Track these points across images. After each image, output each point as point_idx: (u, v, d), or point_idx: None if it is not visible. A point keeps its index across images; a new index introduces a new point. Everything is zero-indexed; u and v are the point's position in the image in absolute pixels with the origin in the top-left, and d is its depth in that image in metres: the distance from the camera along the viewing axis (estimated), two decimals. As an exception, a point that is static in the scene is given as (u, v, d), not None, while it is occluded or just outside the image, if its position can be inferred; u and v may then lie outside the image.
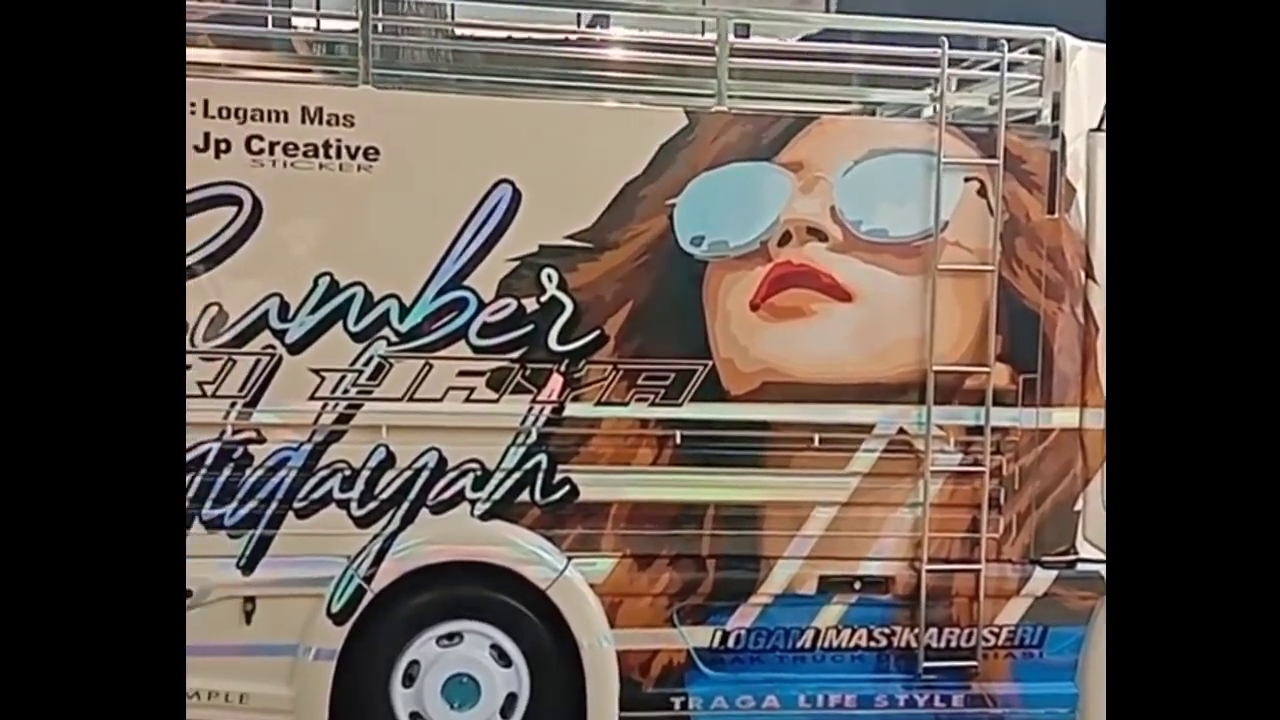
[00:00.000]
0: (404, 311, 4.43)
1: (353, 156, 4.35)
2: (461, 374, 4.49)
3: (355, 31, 4.44)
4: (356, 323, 4.42)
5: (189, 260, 4.26)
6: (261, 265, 4.33)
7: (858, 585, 4.68)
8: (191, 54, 4.49)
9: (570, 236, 4.49)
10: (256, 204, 4.31)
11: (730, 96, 4.60)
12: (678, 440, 4.61)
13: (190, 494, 4.35)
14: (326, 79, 4.62)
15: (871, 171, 4.63)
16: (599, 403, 4.56)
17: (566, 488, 4.61)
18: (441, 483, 4.53)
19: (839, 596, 4.67)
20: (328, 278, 4.38)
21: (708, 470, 4.60)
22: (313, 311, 4.38)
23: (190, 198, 4.24)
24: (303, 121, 4.31)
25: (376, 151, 4.36)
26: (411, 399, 4.47)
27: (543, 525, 4.58)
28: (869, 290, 4.64)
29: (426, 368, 4.47)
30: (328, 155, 4.33)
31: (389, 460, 4.49)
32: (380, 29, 4.63)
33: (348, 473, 4.47)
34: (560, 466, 4.59)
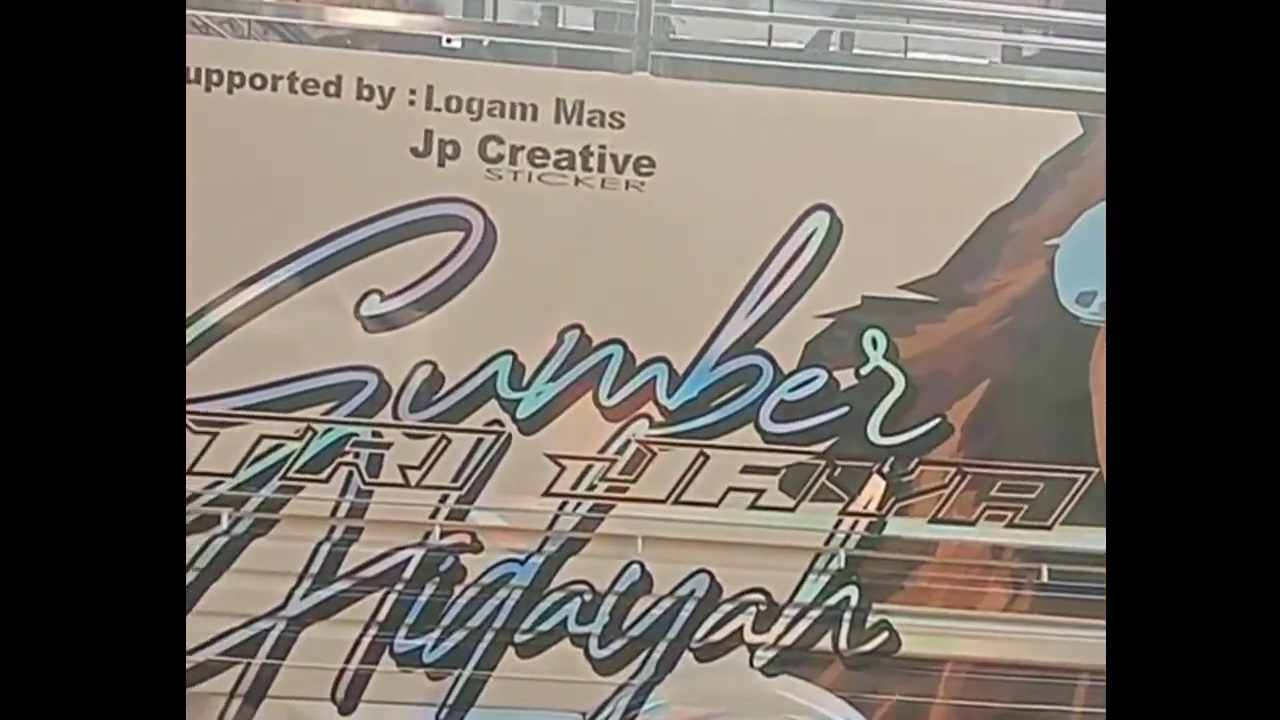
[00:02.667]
0: (675, 381, 3.26)
1: (620, 168, 3.21)
2: (747, 470, 3.28)
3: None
4: (611, 394, 3.25)
5: (395, 304, 3.19)
6: (492, 312, 3.22)
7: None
8: (399, 22, 3.48)
9: (907, 286, 3.24)
10: (489, 229, 3.20)
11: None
12: (1043, 577, 3.29)
13: (380, 617, 3.26)
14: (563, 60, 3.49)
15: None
16: (934, 519, 3.28)
17: (884, 635, 3.34)
18: (713, 618, 3.31)
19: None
20: (577, 332, 3.24)
21: (1084, 623, 3.26)
22: (555, 377, 3.24)
23: (401, 218, 3.17)
24: (557, 120, 3.19)
25: (651, 162, 3.21)
26: (678, 501, 3.28)
27: (849, 686, 3.31)
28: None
29: (701, 459, 3.27)
30: (587, 166, 3.20)
31: (644, 583, 3.29)
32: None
33: (588, 598, 3.29)
34: (876, 605, 3.32)
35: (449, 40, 3.37)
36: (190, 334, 3.17)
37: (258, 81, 3.12)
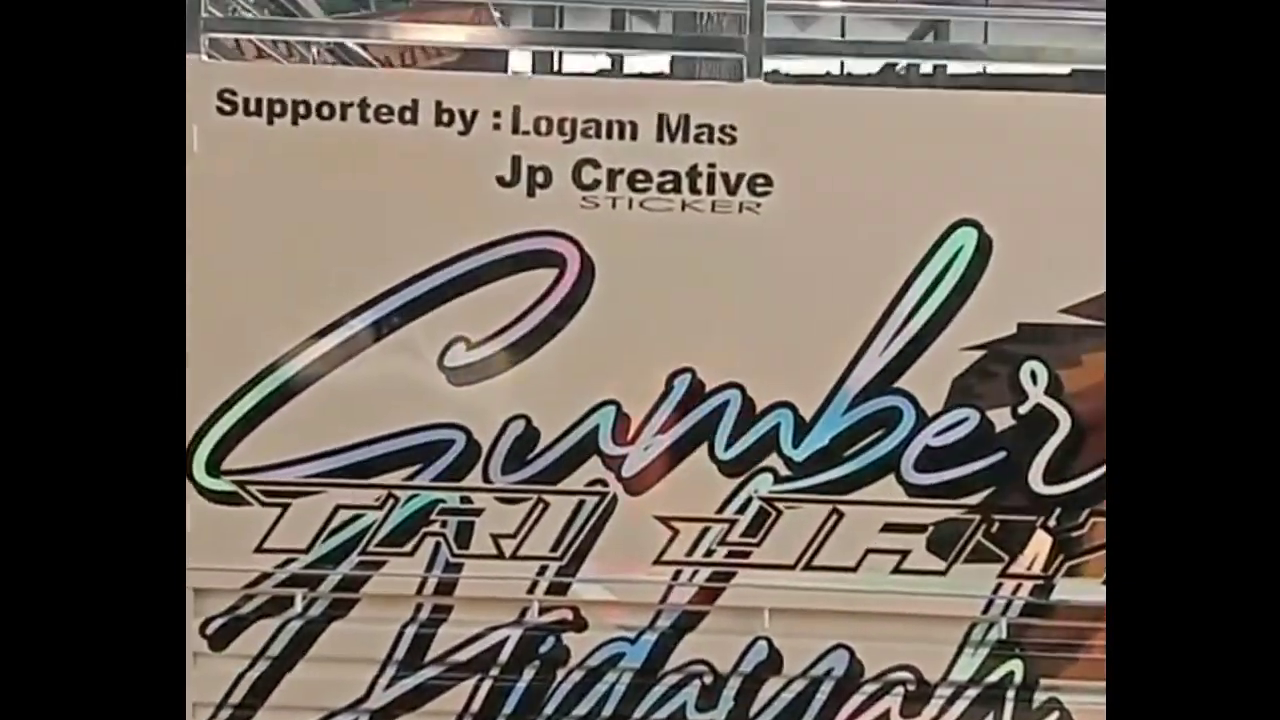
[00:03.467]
0: (802, 429, 2.85)
1: (732, 189, 2.83)
2: (889, 528, 2.85)
3: None
4: (729, 446, 2.85)
5: (483, 352, 2.83)
6: (591, 358, 2.83)
7: None
8: (486, 36, 3.14)
9: (1070, 310, 2.80)
10: (586, 264, 2.83)
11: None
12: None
13: (474, 707, 2.87)
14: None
15: None
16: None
17: (1055, 716, 2.88)
18: (854, 701, 2.86)
19: None
20: (688, 376, 2.85)
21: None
22: (664, 429, 2.84)
23: (487, 256, 2.82)
24: (659, 137, 2.82)
25: (768, 181, 2.82)
26: (809, 566, 2.86)
27: (1017, 779, 2.86)
28: None
29: (834, 517, 2.85)
30: (695, 188, 2.82)
31: (773, 662, 2.86)
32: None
33: (709, 680, 2.87)
34: (1045, 681, 2.86)
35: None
36: (257, 395, 2.84)
37: (325, 111, 2.80)
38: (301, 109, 2.79)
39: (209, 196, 2.68)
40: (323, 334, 2.84)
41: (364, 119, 2.80)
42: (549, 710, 2.87)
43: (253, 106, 2.77)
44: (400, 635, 2.88)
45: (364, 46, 3.16)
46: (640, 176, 2.83)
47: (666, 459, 2.85)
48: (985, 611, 2.86)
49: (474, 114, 2.82)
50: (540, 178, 2.83)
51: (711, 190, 2.83)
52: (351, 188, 2.83)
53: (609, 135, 2.83)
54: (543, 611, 2.87)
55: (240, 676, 2.88)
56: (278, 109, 2.78)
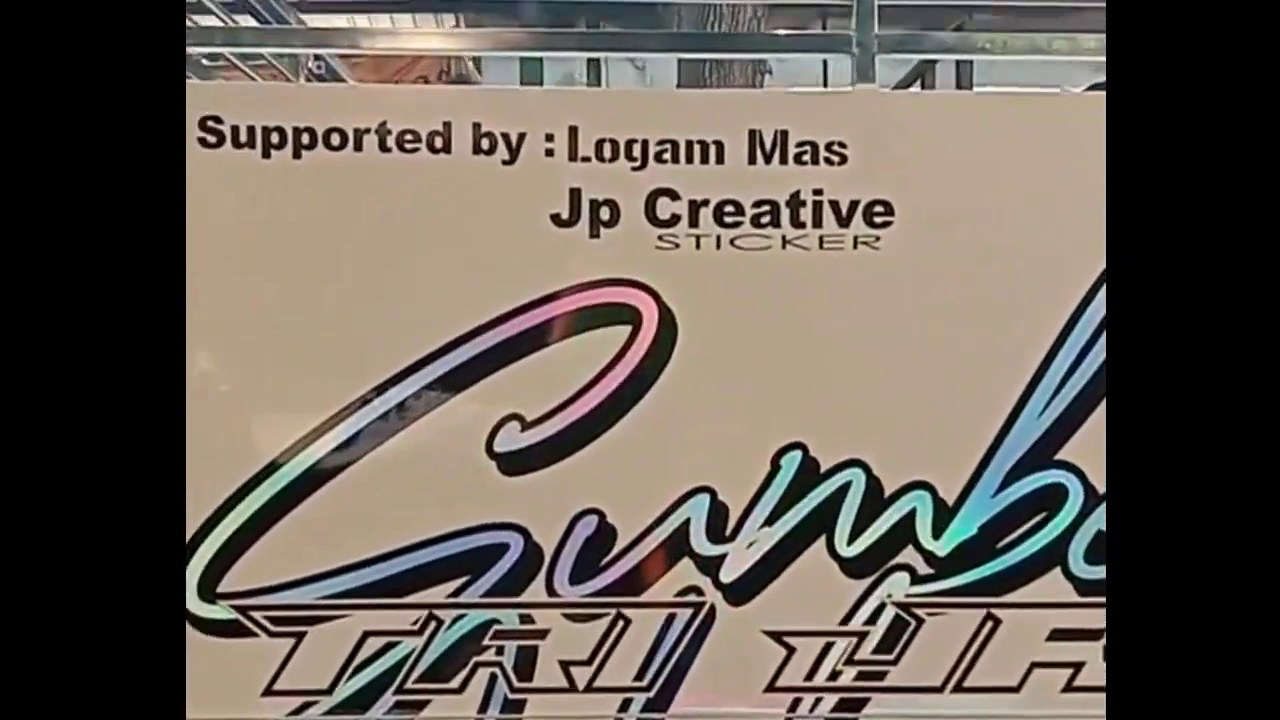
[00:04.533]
0: (943, 515, 2.27)
1: (844, 220, 2.27)
2: (1058, 635, 2.27)
3: None
4: (853, 539, 2.28)
5: (542, 432, 2.25)
6: (677, 435, 2.26)
7: None
8: (532, 39, 2.59)
9: (1273, 357, 2.26)
10: (666, 319, 2.27)
11: None
12: None
13: None
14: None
15: None
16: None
17: None
18: None
19: None
20: (798, 454, 2.28)
21: None
22: (771, 519, 2.27)
23: (543, 314, 2.26)
24: (752, 159, 2.26)
25: (888, 209, 2.26)
26: (960, 688, 2.28)
27: None
28: None
29: (989, 625, 2.28)
30: (798, 221, 2.26)
31: (920, 811, 2.30)
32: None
33: (840, 835, 2.31)
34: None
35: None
36: (259, 497, 2.27)
37: (334, 139, 2.25)
38: (305, 138, 2.22)
39: (192, 251, 2.12)
40: (340, 417, 2.27)
41: (384, 147, 2.24)
42: None
43: (244, 136, 2.21)
44: (450, 795, 2.30)
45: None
46: (730, 208, 2.27)
47: (776, 558, 2.28)
48: (1180, 735, 2.30)
49: (521, 138, 2.26)
50: (605, 214, 2.27)
51: (819, 222, 2.27)
52: (371, 235, 2.27)
53: (689, 158, 2.27)
54: (628, 757, 2.30)
55: None
56: (275, 138, 2.22)
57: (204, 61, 2.32)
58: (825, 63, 4.34)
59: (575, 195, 2.27)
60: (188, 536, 2.24)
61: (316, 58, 2.45)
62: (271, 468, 2.28)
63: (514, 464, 2.27)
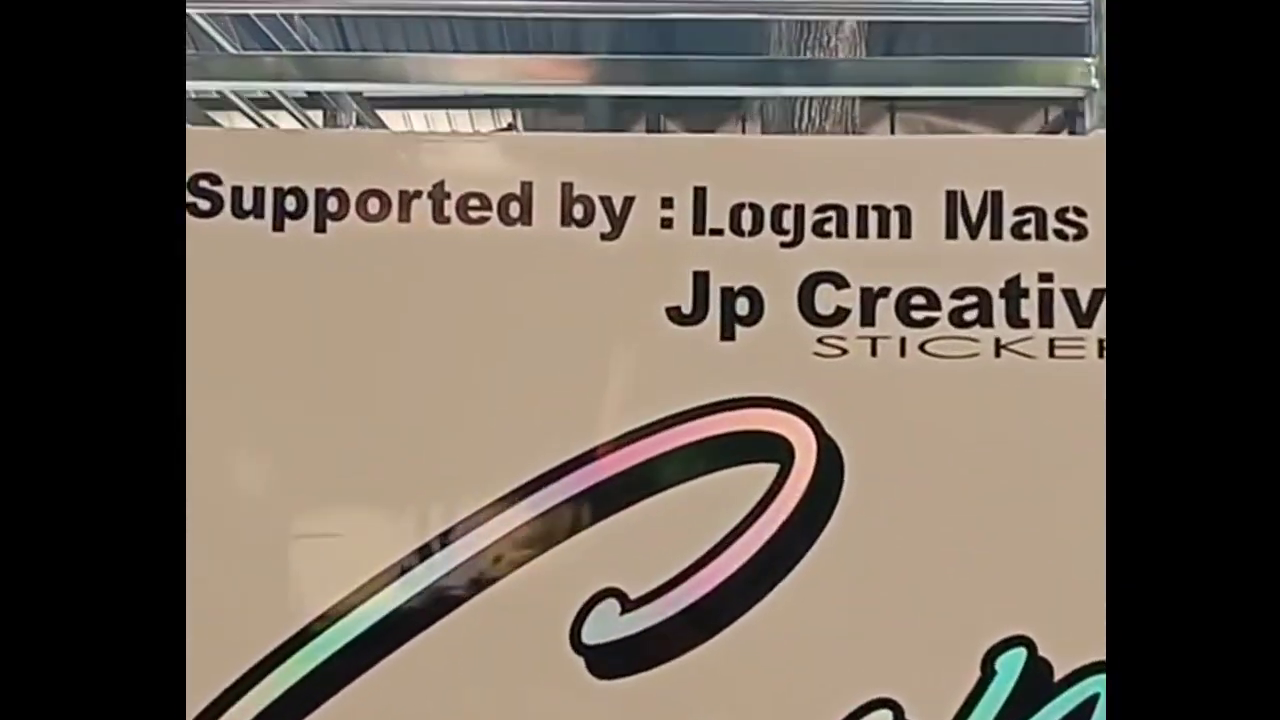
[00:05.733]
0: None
1: (1084, 318, 1.58)
2: None
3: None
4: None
5: (651, 617, 1.60)
6: (845, 620, 1.59)
7: None
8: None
9: None
10: (828, 456, 1.60)
11: None
12: None
13: None
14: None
15: None
16: None
17: None
18: None
19: None
20: (1021, 654, 1.58)
21: None
22: (984, 742, 1.60)
23: (653, 445, 1.61)
24: (950, 232, 1.60)
25: (1151, 301, 1.61)
26: None
27: None
28: None
29: None
30: (1017, 319, 1.59)
31: None
32: None
33: None
34: None
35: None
36: (270, 690, 1.65)
37: (372, 206, 1.65)
38: (332, 203, 1.63)
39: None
40: (375, 588, 1.64)
41: (441, 217, 1.64)
42: None
43: (248, 202, 1.63)
44: None
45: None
46: (920, 300, 1.61)
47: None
48: None
49: (627, 203, 1.64)
50: (744, 307, 1.62)
51: (1047, 321, 1.60)
52: (422, 337, 1.66)
53: (861, 230, 1.62)
54: None
55: None
56: (291, 203, 1.63)
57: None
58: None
59: (702, 281, 1.62)
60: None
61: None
62: (286, 650, 1.66)
63: (610, 662, 1.61)
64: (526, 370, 1.66)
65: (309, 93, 2.50)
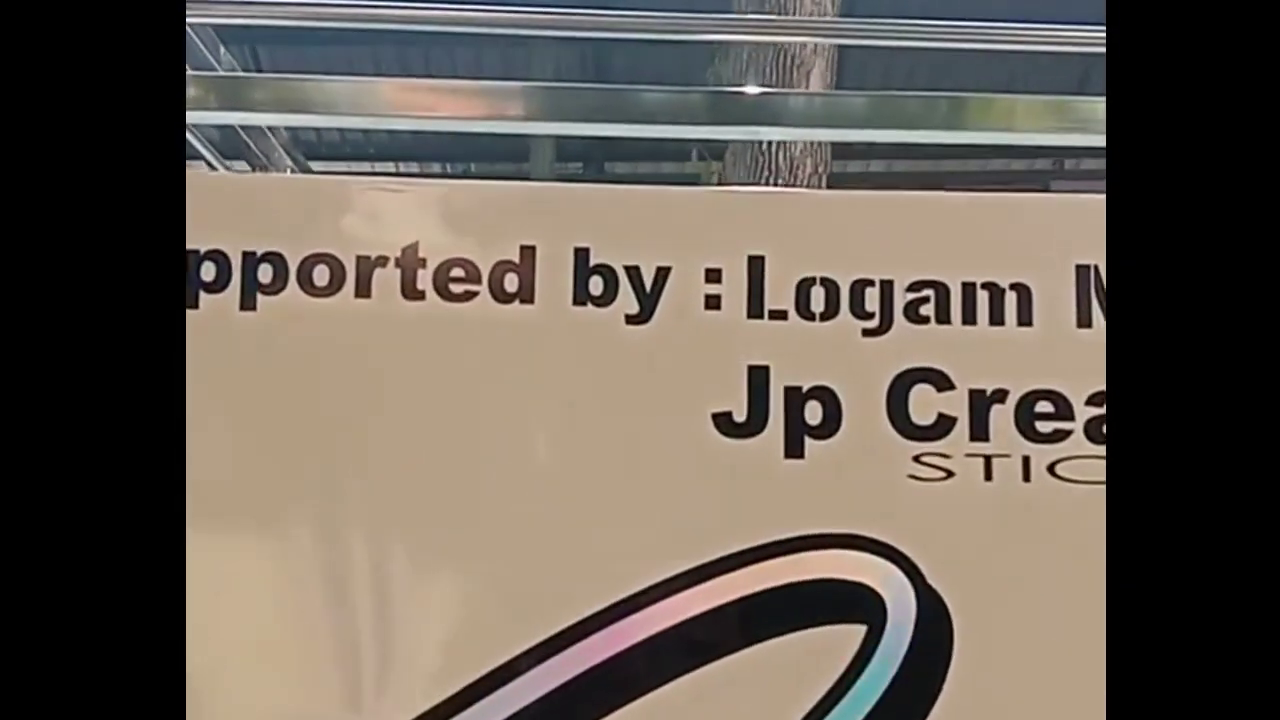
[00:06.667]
0: None
1: (1266, 432, 1.27)
2: None
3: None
4: None
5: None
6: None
7: None
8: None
9: None
10: (930, 611, 1.21)
11: None
12: None
13: None
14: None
15: None
16: None
17: None
18: None
19: None
20: None
21: None
22: None
23: (704, 597, 1.20)
24: (1083, 319, 1.23)
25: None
26: None
27: None
28: None
29: None
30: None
31: None
32: None
33: None
34: None
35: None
36: None
37: (318, 276, 1.23)
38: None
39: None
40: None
41: (412, 291, 1.23)
42: None
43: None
44: None
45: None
46: (1048, 408, 1.24)
47: None
48: None
49: (661, 276, 1.26)
50: (815, 414, 1.24)
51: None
52: (391, 451, 1.24)
53: (968, 315, 1.25)
54: None
55: None
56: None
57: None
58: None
59: (760, 379, 1.24)
60: None
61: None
62: None
63: None
64: (522, 502, 1.24)
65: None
